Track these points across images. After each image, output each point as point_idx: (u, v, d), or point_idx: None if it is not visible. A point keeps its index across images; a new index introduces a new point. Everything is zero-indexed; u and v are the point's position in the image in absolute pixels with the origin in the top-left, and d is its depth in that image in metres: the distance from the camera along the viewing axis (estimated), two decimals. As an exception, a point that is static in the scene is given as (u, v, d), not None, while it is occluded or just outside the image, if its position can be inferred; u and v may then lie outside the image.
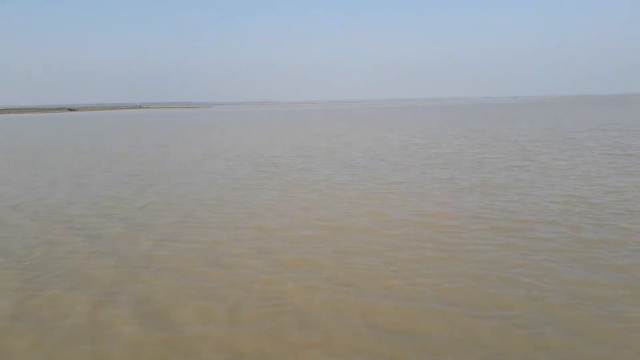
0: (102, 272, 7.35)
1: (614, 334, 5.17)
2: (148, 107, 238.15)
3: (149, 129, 48.32)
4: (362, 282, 6.70)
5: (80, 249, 8.49)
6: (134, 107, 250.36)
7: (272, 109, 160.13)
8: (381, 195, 12.18)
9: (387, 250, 7.95)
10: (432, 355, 4.90)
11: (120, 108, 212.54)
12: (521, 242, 8.13)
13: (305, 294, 6.37)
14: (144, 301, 6.30)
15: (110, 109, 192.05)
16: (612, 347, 4.93)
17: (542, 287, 6.31)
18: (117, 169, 18.58)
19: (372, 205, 11.12)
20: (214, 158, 21.20)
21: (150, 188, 14.09)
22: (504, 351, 4.93)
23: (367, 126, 43.04)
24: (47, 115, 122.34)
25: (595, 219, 9.29)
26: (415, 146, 23.72)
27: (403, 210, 10.60)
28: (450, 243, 8.20)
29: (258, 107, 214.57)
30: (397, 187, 13.12)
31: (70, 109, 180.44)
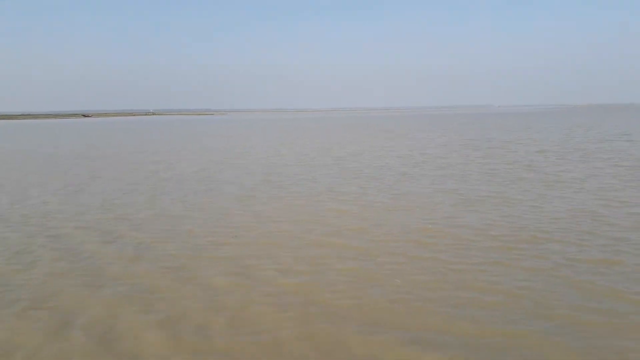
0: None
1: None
2: (161, 114, 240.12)
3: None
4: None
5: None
6: (147, 113, 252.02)
7: (292, 116, 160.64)
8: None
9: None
10: None
11: (133, 114, 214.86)
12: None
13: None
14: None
15: (123, 115, 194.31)
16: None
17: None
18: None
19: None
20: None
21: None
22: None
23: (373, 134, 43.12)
24: (63, 121, 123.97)
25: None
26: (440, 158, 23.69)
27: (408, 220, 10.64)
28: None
29: (273, 114, 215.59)
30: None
31: (84, 115, 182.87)
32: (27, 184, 17.38)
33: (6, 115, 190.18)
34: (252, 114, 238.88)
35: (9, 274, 7.87)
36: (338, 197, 13.47)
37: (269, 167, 20.75)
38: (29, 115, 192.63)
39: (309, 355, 5.24)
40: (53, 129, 73.37)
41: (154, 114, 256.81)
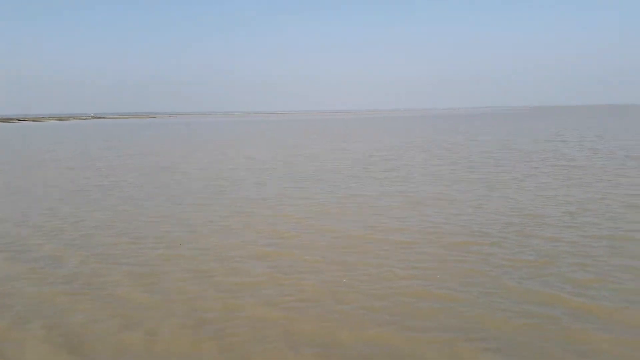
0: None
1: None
2: (103, 118, 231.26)
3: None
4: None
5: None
6: (87, 117, 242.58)
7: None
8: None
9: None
10: None
11: (73, 118, 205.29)
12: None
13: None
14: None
15: (59, 119, 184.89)
16: None
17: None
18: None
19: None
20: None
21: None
22: None
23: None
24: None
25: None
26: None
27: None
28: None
29: (222, 117, 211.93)
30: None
31: (19, 120, 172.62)
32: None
33: None
34: (201, 117, 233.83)
35: None
36: (288, 202, 13.28)
37: (211, 175, 20.19)
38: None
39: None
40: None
41: (95, 117, 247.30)
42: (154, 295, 6.96)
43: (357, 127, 68.42)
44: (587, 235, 9.15)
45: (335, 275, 7.52)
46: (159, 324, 6.04)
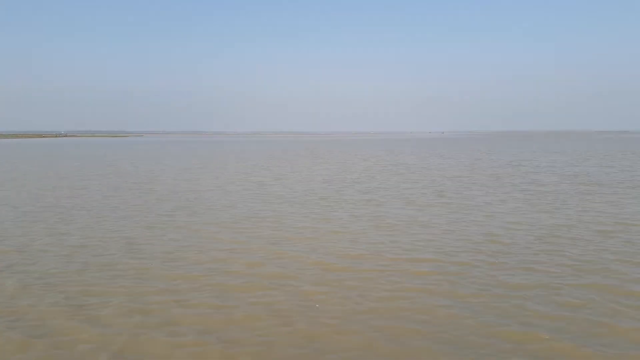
0: None
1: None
2: (74, 136, 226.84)
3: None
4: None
5: None
6: (57, 135, 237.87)
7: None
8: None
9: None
10: None
11: (42, 136, 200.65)
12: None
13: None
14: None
15: (28, 137, 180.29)
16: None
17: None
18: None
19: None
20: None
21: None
22: None
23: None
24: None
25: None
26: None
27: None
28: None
29: (188, 136, 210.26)
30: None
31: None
32: None
33: None
34: (169, 136, 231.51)
35: None
36: (258, 223, 13.17)
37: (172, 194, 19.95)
38: None
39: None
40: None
41: (65, 135, 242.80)
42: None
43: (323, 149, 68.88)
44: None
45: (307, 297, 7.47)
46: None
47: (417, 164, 35.82)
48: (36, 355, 5.76)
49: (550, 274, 8.51)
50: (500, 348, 5.80)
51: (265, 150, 65.17)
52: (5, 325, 6.56)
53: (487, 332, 6.22)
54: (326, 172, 29.11)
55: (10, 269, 9.11)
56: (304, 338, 6.14)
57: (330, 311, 6.99)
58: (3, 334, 6.28)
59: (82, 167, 34.01)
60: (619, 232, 11.59)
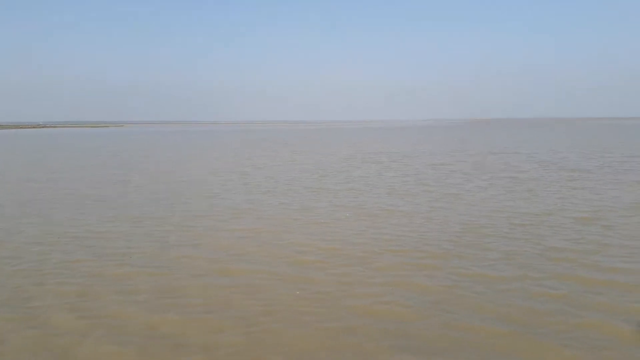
0: None
1: None
2: (54, 127, 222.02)
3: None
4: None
5: None
6: (36, 126, 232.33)
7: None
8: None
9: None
10: None
11: (21, 127, 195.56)
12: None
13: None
14: None
15: (6, 128, 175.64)
16: None
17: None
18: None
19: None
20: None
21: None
22: None
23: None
24: None
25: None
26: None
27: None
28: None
29: (172, 126, 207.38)
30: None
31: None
32: None
33: None
34: (152, 126, 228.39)
35: None
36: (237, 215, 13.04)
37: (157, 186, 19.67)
38: None
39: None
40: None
41: (44, 126, 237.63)
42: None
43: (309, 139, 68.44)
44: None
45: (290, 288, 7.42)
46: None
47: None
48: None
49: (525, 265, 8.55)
50: (468, 342, 5.75)
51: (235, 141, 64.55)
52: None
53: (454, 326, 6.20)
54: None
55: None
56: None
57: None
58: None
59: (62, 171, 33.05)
60: (596, 220, 11.70)
